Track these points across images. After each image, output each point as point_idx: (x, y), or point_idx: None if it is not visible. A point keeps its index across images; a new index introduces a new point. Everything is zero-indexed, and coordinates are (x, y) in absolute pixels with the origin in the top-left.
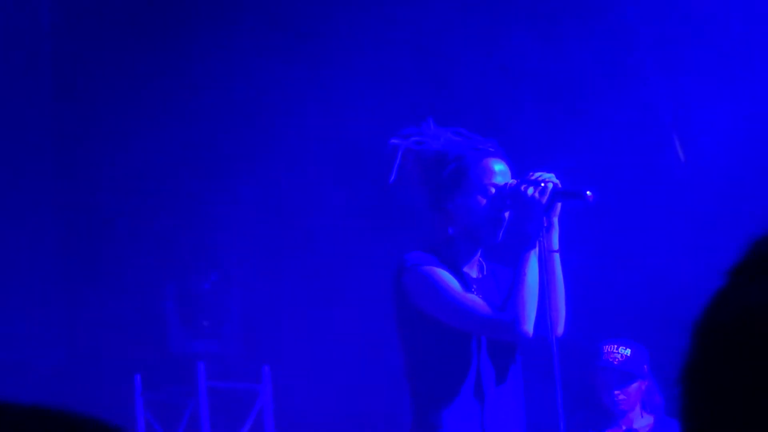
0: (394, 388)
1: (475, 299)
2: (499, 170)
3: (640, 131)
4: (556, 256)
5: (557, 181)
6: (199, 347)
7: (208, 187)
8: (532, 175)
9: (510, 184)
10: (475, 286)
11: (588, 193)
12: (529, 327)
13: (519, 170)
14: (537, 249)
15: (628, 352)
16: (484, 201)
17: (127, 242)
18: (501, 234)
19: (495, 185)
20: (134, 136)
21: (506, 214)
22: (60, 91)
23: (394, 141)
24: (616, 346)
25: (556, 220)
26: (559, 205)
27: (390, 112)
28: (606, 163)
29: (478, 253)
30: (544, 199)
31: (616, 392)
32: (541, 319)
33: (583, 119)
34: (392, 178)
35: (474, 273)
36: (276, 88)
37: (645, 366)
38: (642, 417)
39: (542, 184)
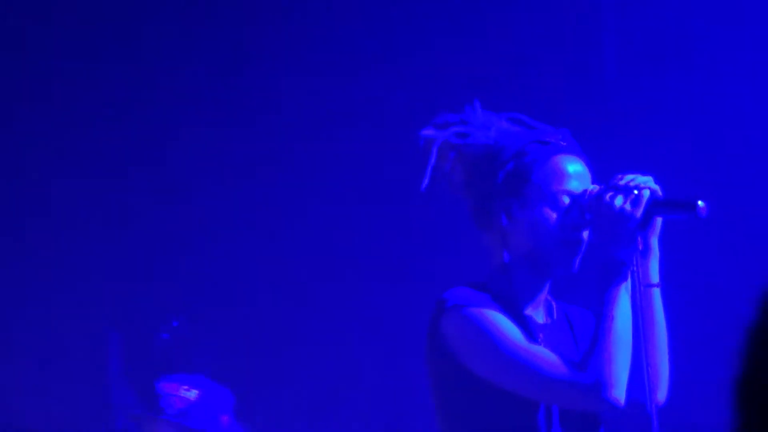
0: None
1: (542, 353)
2: (575, 172)
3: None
4: (656, 292)
5: (656, 187)
6: None
7: (165, 204)
8: (622, 179)
9: (590, 192)
10: (541, 335)
11: (700, 203)
12: (620, 392)
13: (602, 172)
14: (629, 282)
15: (193, 394)
16: (554, 215)
17: (55, 278)
18: (578, 261)
19: (569, 193)
20: (69, 134)
21: (585, 234)
22: None
23: (426, 133)
24: (176, 386)
25: (655, 241)
26: (659, 220)
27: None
28: (723, 162)
29: (546, 289)
30: (639, 212)
31: None
32: (635, 381)
33: (692, 100)
34: (424, 184)
35: (540, 317)
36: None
37: (223, 417)
38: None
39: (635, 192)
